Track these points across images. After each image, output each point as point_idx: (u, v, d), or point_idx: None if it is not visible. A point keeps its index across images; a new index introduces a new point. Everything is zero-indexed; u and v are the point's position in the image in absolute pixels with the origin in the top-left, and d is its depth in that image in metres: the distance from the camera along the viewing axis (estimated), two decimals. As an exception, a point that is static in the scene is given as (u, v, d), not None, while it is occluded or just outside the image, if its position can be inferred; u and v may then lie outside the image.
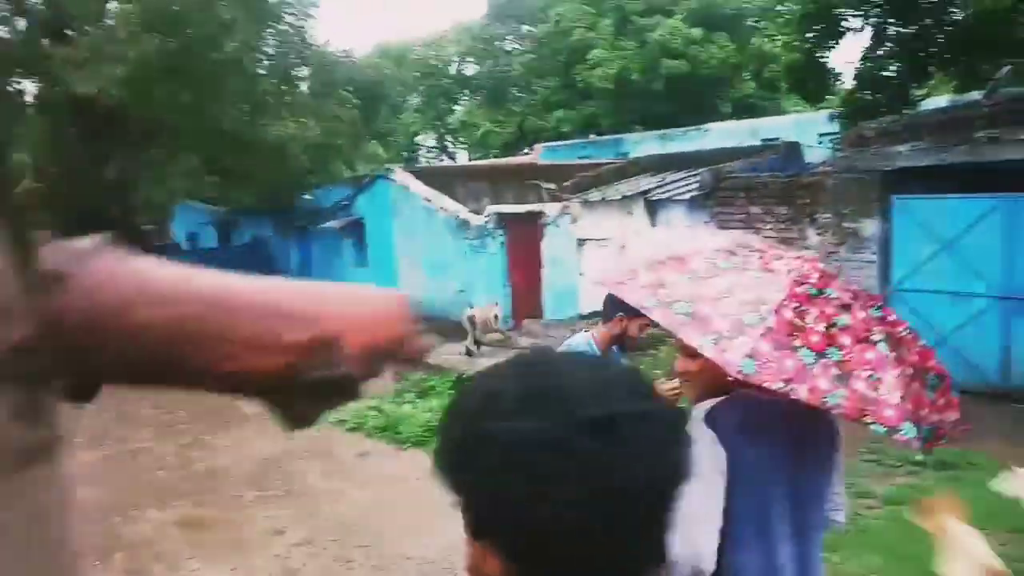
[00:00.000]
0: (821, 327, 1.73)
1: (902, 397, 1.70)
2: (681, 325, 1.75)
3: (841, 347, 1.71)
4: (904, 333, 1.95)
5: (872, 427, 1.68)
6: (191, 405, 9.74)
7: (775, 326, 1.68)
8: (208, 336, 0.61)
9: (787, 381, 1.62)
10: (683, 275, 1.84)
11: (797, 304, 1.75)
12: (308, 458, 7.59)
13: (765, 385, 1.64)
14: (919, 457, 6.31)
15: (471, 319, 11.96)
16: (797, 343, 1.69)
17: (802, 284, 1.81)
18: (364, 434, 8.27)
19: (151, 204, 15.48)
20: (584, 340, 3.48)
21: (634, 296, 1.88)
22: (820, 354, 1.68)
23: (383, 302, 0.73)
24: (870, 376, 1.70)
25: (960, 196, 8.28)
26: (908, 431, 1.67)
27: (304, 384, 0.63)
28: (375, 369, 0.68)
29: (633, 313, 3.10)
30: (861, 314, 1.82)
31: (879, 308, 1.94)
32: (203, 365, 0.61)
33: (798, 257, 1.98)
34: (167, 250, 23.24)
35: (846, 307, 1.81)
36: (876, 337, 1.76)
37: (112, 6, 14.39)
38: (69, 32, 14.12)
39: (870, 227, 8.84)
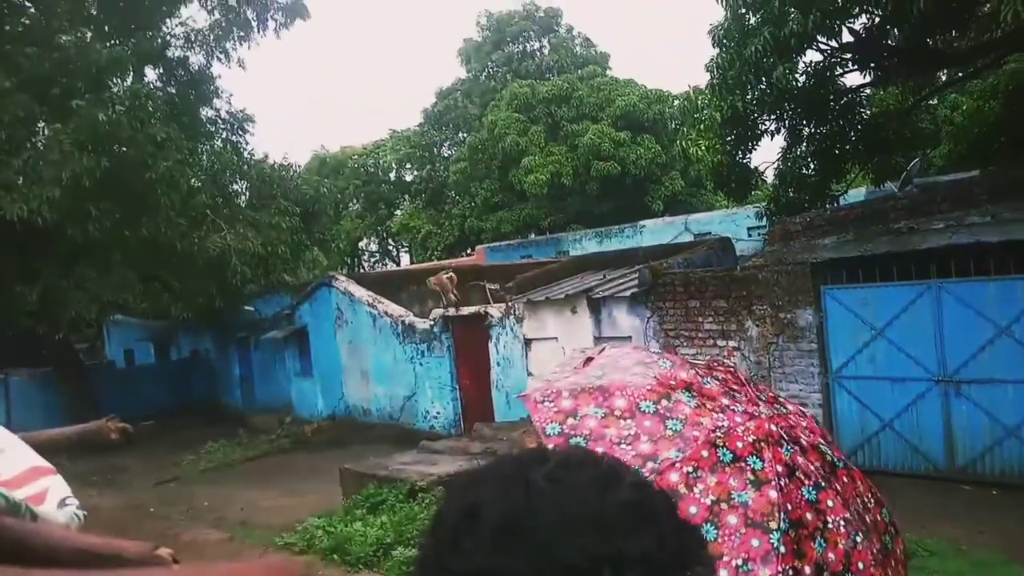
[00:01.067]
0: (708, 499, 1.63)
1: None
2: None
3: (721, 526, 1.61)
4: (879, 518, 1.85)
5: None
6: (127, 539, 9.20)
7: None
8: None
9: None
10: (599, 409, 1.82)
11: (693, 467, 1.67)
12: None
13: None
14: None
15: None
16: None
17: (722, 446, 1.71)
18: (313, 555, 7.91)
19: (82, 321, 14.98)
20: None
21: (542, 418, 1.86)
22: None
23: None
24: (740, 566, 1.59)
25: (887, 284, 8.67)
26: None
27: None
28: None
29: None
30: (800, 493, 1.69)
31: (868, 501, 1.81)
32: None
33: (764, 415, 1.83)
34: (102, 368, 22.45)
35: (770, 481, 1.68)
36: (774, 525, 1.62)
37: (43, 127, 14.31)
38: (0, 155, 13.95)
39: (805, 317, 9.14)
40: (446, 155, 36.23)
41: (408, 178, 39.57)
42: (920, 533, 6.57)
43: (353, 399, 16.75)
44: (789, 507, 1.64)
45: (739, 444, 1.71)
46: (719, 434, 1.72)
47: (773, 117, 12.24)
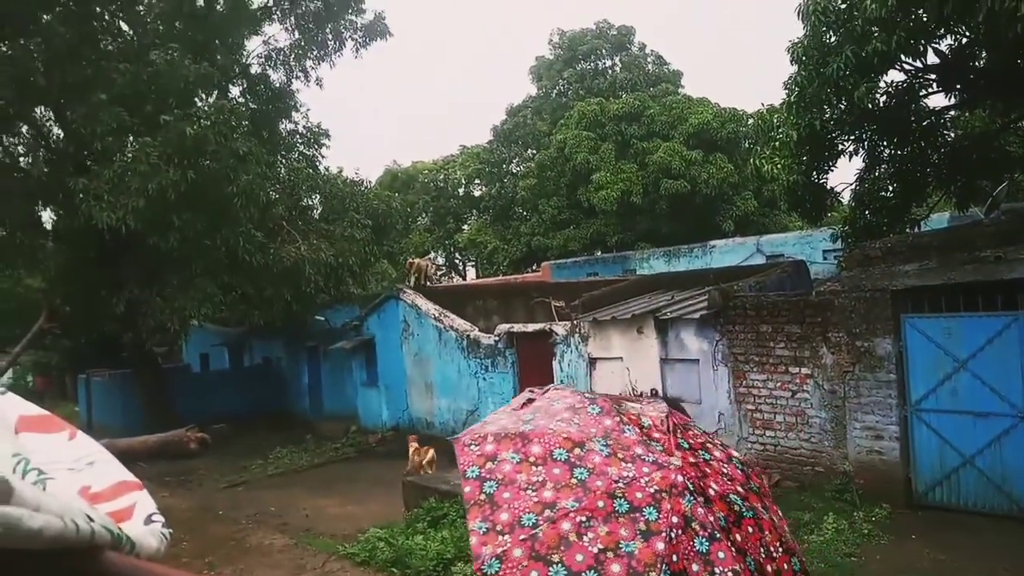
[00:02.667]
0: (596, 548, 1.65)
1: None
2: (474, 504, 1.78)
3: (604, 573, 1.64)
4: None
5: None
6: (197, 540, 9.48)
7: (543, 536, 1.65)
8: None
9: None
10: (516, 455, 1.87)
11: (587, 517, 1.70)
12: (316, 596, 7.29)
13: None
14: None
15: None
16: (555, 557, 1.65)
17: (620, 497, 1.73)
18: (373, 568, 7.99)
19: (164, 330, 15.59)
20: None
21: (465, 461, 1.95)
22: (576, 574, 1.62)
23: None
24: None
25: (971, 314, 8.29)
26: None
27: None
28: None
29: None
30: (691, 544, 1.71)
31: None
32: None
33: (674, 466, 1.84)
34: (179, 372, 23.30)
35: (660, 533, 1.70)
36: (654, 575, 1.65)
37: (132, 139, 15.02)
38: (91, 164, 14.71)
39: (883, 346, 8.81)
40: (515, 171, 36.48)
41: (477, 193, 40.01)
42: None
43: (417, 411, 16.92)
44: (675, 558, 1.66)
45: (638, 495, 1.75)
46: (621, 484, 1.77)
47: (852, 137, 11.89)
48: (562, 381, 13.32)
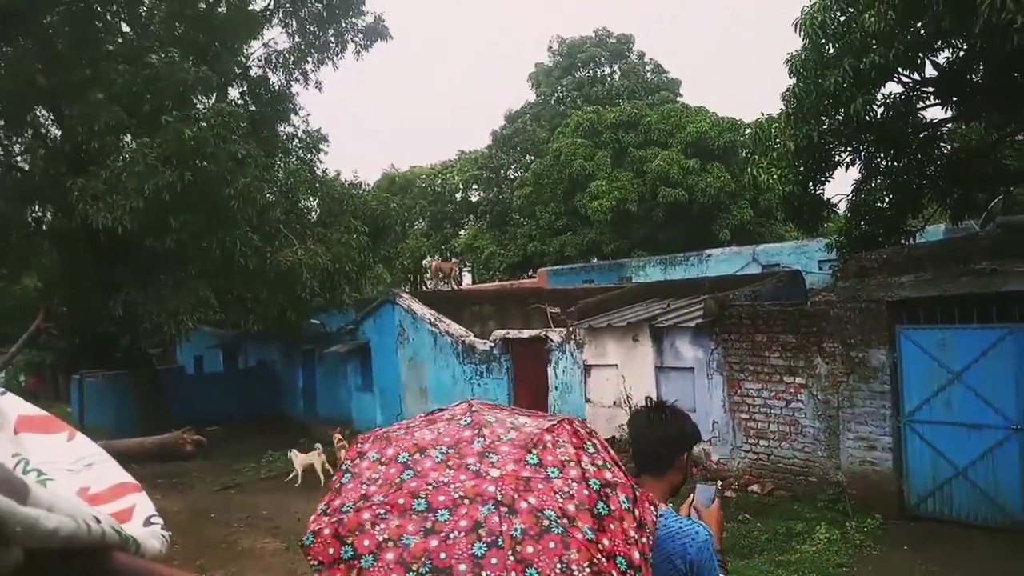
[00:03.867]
0: (380, 536, 1.83)
1: None
2: (330, 490, 1.99)
3: (378, 559, 1.80)
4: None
5: None
6: (189, 543, 9.45)
7: (347, 521, 1.85)
8: None
9: (320, 563, 1.80)
10: (376, 454, 2.07)
11: (386, 510, 1.86)
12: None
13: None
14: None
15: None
16: (349, 539, 1.83)
17: (423, 498, 1.88)
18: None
19: (159, 331, 15.56)
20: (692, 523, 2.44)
21: (348, 455, 2.12)
22: (358, 555, 1.81)
23: None
24: None
25: (966, 326, 8.33)
26: None
27: None
28: None
29: (690, 446, 2.63)
30: (469, 548, 1.82)
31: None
32: None
33: (493, 476, 1.96)
34: (173, 374, 23.24)
35: (439, 533, 1.82)
36: (416, 567, 1.79)
37: (129, 140, 15.01)
38: (88, 164, 14.71)
39: (878, 357, 8.84)
40: (512, 177, 36.54)
41: (474, 199, 40.06)
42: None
43: (411, 415, 16.86)
44: (443, 556, 1.79)
45: (440, 498, 1.89)
46: (430, 488, 1.91)
47: (849, 148, 11.95)
48: (557, 388, 13.33)
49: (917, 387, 8.65)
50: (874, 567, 7.39)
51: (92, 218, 13.21)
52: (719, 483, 9.22)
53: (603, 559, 1.89)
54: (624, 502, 2.05)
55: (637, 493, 2.10)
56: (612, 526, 1.97)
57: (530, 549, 1.85)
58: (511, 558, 1.83)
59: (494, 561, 1.81)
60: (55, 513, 0.72)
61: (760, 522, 8.65)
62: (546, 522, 1.90)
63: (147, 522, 1.16)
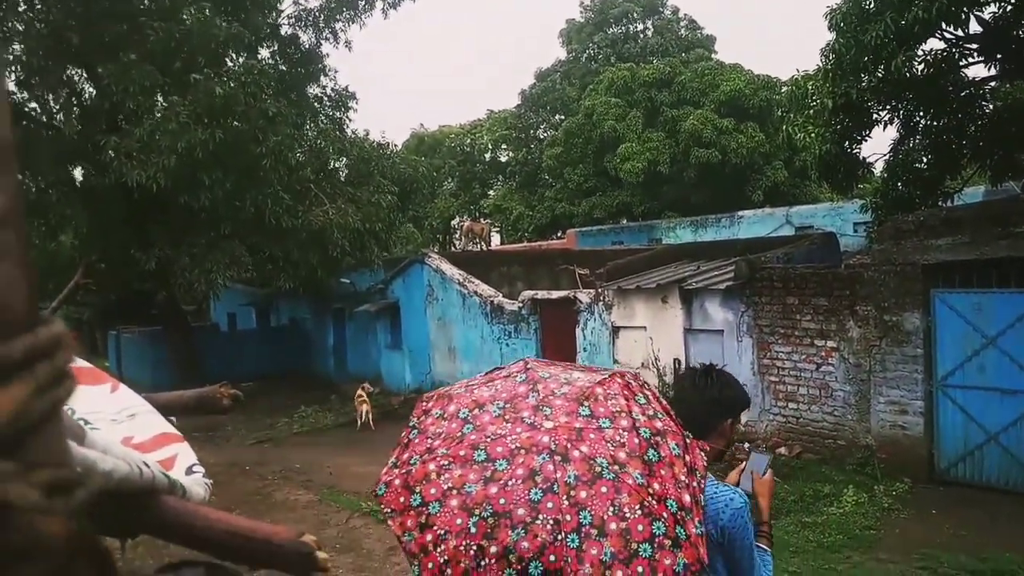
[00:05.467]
0: (446, 485, 2.01)
1: None
2: (397, 446, 2.20)
3: (444, 506, 2.00)
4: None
5: None
6: (224, 494, 9.72)
7: (415, 472, 2.05)
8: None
9: (392, 511, 2.02)
10: (439, 411, 2.25)
11: (449, 461, 2.03)
12: (337, 552, 7.47)
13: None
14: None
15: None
16: (417, 488, 2.02)
17: (482, 449, 2.04)
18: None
19: (193, 289, 15.82)
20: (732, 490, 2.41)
21: (413, 412, 2.33)
22: (426, 503, 2.00)
23: None
24: (441, 536, 1.97)
25: (1003, 290, 8.16)
26: None
27: None
28: None
29: (735, 412, 2.58)
30: (527, 494, 1.96)
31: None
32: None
33: (546, 427, 2.08)
34: (207, 331, 23.69)
35: (499, 480, 1.98)
36: (478, 512, 1.97)
37: (161, 98, 15.08)
38: (122, 122, 14.84)
39: (912, 321, 8.72)
40: (542, 137, 36.20)
41: (503, 159, 39.82)
42: (1022, 552, 6.22)
43: (440, 374, 17.09)
44: (503, 501, 1.94)
45: (499, 449, 2.04)
46: (488, 439, 2.06)
47: (888, 107, 11.64)
48: (585, 349, 13.37)
49: (951, 351, 8.53)
50: (901, 530, 7.39)
51: (127, 176, 13.38)
52: (775, 452, 9.23)
53: (654, 502, 1.96)
54: (674, 448, 2.11)
55: (688, 440, 2.15)
56: (663, 472, 2.03)
57: (583, 494, 1.97)
58: (565, 502, 1.95)
59: (550, 505, 1.94)
60: (109, 456, 0.75)
61: (788, 484, 8.67)
62: (598, 469, 2.01)
63: (189, 471, 1.20)
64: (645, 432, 2.10)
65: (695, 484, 2.08)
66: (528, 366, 2.34)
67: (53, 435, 0.47)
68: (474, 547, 1.93)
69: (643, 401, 2.23)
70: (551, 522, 1.91)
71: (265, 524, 1.15)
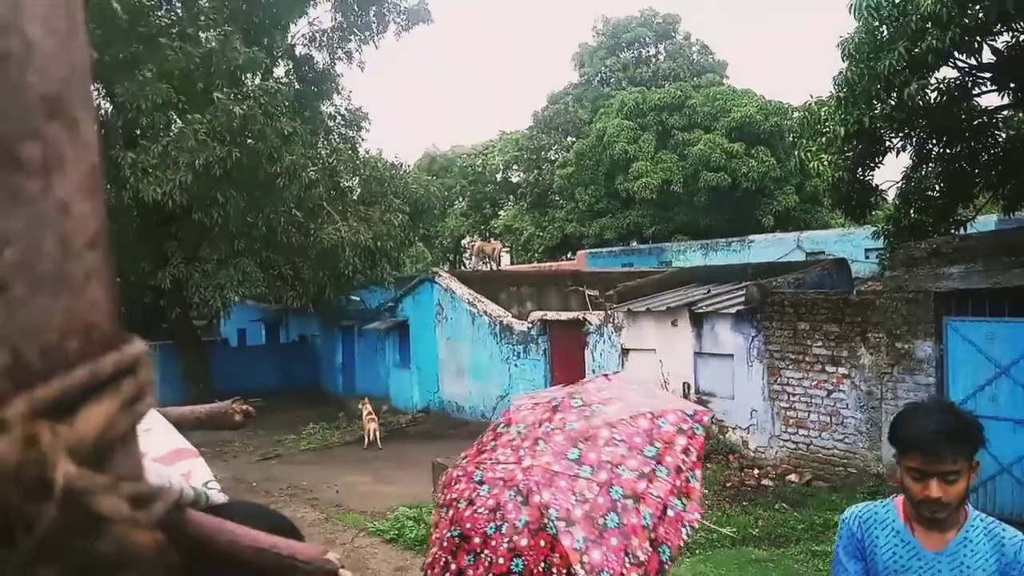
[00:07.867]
0: (451, 496, 2.32)
1: None
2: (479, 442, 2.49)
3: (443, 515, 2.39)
4: None
5: None
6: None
7: (454, 473, 2.40)
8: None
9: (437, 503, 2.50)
10: (507, 426, 2.44)
11: (475, 468, 2.31)
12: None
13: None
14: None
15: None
16: (445, 489, 2.38)
17: (479, 470, 2.26)
18: (402, 546, 8.12)
19: (206, 305, 15.91)
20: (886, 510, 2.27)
21: (505, 418, 2.49)
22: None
23: None
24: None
25: (1018, 320, 8.12)
26: None
27: None
28: None
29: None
30: (484, 527, 2.15)
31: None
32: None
33: (520, 467, 2.25)
34: (217, 346, 23.76)
35: (473, 503, 2.19)
36: (446, 531, 2.22)
37: (175, 117, 15.27)
38: (139, 139, 15.00)
39: (923, 349, 8.68)
40: (553, 159, 36.37)
41: (514, 180, 39.98)
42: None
43: (448, 394, 17.07)
44: (469, 526, 2.15)
45: (490, 475, 2.24)
46: (490, 462, 2.28)
47: (900, 134, 11.66)
48: (594, 371, 13.34)
49: (963, 381, 8.48)
50: (912, 560, 7.30)
51: (143, 191, 13.52)
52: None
53: (582, 572, 2.03)
54: (645, 518, 2.06)
55: (670, 513, 2.10)
56: (612, 541, 2.05)
57: (524, 542, 2.12)
58: (505, 545, 2.15)
59: (494, 544, 2.15)
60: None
61: (797, 512, 8.60)
62: (545, 521, 2.11)
63: (204, 486, 1.22)
64: (616, 492, 2.07)
65: (650, 564, 2.04)
66: (598, 386, 2.44)
67: (133, 449, 0.50)
68: (443, 559, 2.16)
69: (650, 454, 2.21)
70: (489, 560, 2.08)
71: (290, 541, 1.16)
